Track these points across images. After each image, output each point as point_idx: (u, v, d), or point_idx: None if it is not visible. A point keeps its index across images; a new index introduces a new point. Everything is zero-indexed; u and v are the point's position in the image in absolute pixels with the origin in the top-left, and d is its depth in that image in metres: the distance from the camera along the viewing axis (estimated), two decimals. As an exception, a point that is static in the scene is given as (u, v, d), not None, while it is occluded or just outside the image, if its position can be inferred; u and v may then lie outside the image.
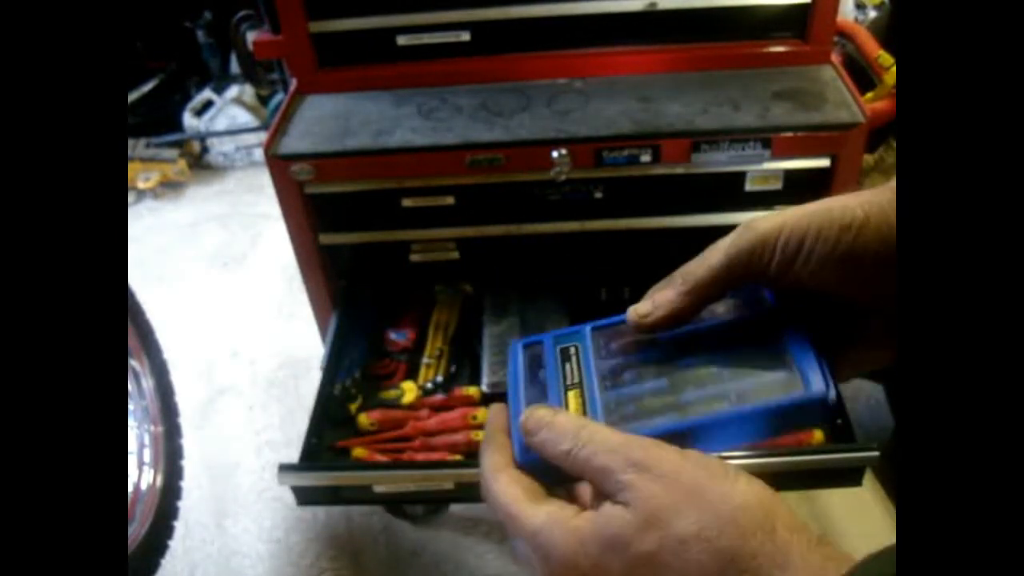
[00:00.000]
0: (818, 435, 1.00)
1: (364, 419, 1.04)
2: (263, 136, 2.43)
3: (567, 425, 0.38)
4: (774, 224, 0.40)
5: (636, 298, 0.46)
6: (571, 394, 0.44)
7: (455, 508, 1.48)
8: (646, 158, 1.02)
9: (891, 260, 0.37)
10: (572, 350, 0.46)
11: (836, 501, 1.36)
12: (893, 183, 0.39)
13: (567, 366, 0.46)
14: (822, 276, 0.39)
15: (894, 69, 1.36)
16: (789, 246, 0.39)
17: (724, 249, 0.42)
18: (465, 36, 1.08)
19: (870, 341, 0.43)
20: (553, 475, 0.40)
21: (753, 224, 0.41)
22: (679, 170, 1.04)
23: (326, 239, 1.14)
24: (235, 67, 2.63)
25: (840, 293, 0.40)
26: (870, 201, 0.39)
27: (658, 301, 0.43)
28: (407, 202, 1.10)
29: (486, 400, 1.06)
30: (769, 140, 1.00)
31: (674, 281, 0.43)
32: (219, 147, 2.74)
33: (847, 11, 1.74)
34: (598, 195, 1.09)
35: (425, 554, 1.42)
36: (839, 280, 0.39)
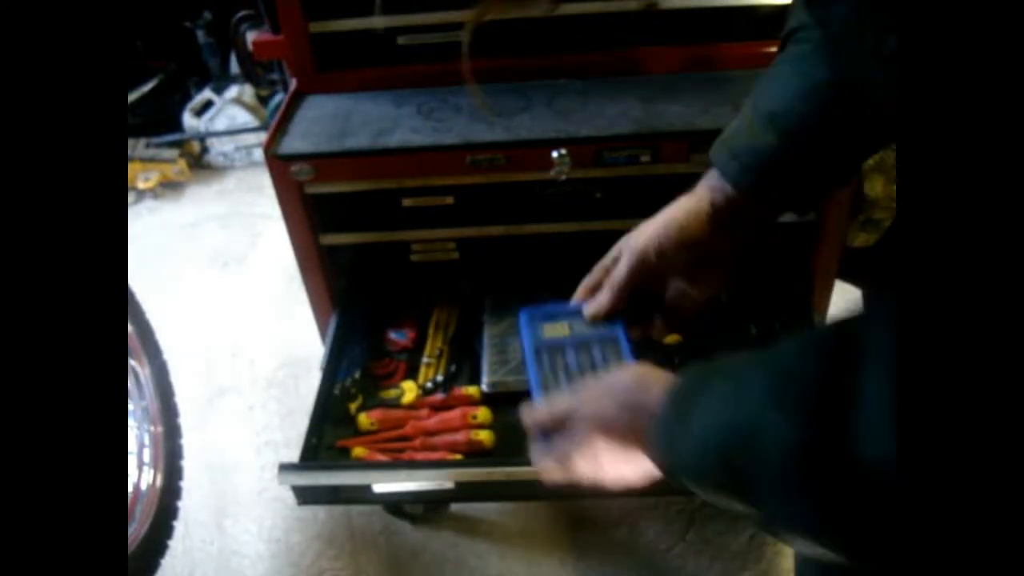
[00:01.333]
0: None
1: (364, 419, 1.04)
2: (263, 136, 2.42)
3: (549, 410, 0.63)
4: (646, 240, 0.69)
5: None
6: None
7: (455, 508, 1.48)
8: (646, 158, 1.02)
9: (714, 242, 0.69)
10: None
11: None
12: (702, 190, 0.71)
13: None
14: (677, 262, 0.69)
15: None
16: (658, 249, 0.69)
17: (627, 260, 0.70)
18: (465, 36, 1.08)
19: (708, 283, 0.71)
20: None
21: (631, 244, 0.70)
22: (679, 170, 1.04)
23: (326, 239, 1.14)
24: (235, 67, 2.62)
25: (688, 267, 0.70)
26: (708, 199, 0.70)
27: (602, 302, 0.71)
28: (407, 202, 1.10)
29: (486, 399, 1.06)
30: (769, 140, 1.00)
31: (608, 285, 0.71)
32: (219, 147, 2.73)
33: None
34: (598, 195, 1.09)
35: (425, 554, 1.42)
36: (686, 264, 0.69)
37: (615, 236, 1.12)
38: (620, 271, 0.69)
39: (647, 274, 0.69)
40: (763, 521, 0.46)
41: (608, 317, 0.71)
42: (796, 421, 0.40)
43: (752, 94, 0.70)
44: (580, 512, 1.47)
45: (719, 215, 0.70)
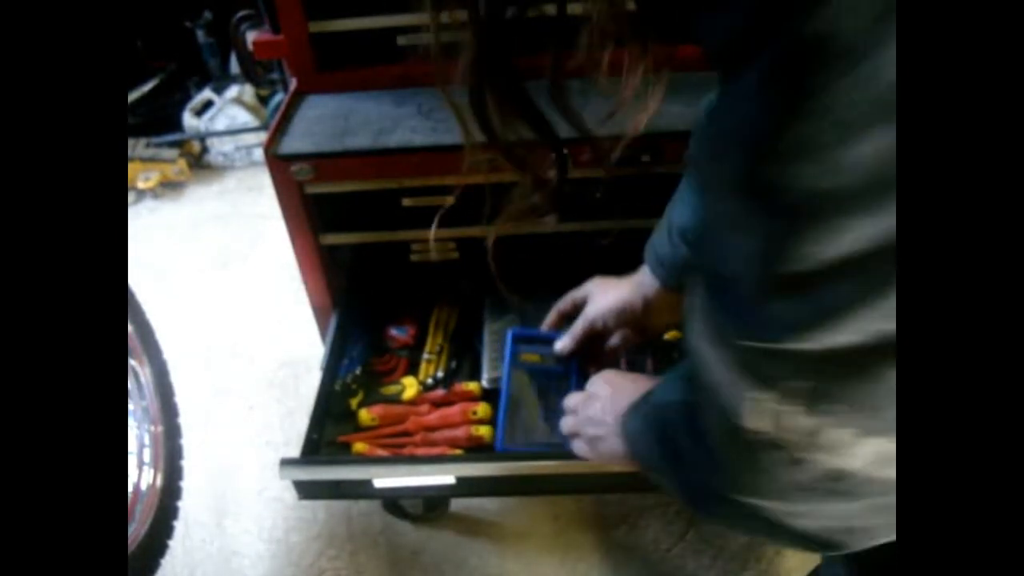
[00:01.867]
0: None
1: (365, 414, 1.05)
2: (263, 136, 2.43)
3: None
4: (597, 313, 0.93)
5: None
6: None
7: (456, 507, 1.48)
8: (646, 158, 1.03)
9: (648, 318, 0.91)
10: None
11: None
12: (639, 281, 0.92)
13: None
14: (620, 326, 0.94)
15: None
16: (604, 322, 0.94)
17: (582, 324, 0.95)
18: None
19: (649, 335, 0.96)
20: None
21: (586, 314, 0.95)
22: (680, 170, 1.04)
23: (326, 239, 1.14)
24: (235, 67, 2.62)
25: (629, 330, 0.94)
26: (641, 293, 0.91)
27: (566, 344, 0.97)
28: (407, 202, 1.10)
29: (486, 395, 1.07)
30: (769, 139, 1.00)
31: (570, 334, 0.97)
32: (219, 147, 2.73)
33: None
34: (598, 195, 1.09)
35: (425, 554, 1.42)
36: (632, 329, 0.94)
37: (614, 236, 1.13)
38: (578, 328, 0.96)
39: (597, 334, 0.96)
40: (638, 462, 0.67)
41: (569, 357, 0.98)
42: (679, 387, 0.59)
43: (669, 205, 0.88)
44: (580, 512, 1.47)
45: (650, 304, 0.90)
